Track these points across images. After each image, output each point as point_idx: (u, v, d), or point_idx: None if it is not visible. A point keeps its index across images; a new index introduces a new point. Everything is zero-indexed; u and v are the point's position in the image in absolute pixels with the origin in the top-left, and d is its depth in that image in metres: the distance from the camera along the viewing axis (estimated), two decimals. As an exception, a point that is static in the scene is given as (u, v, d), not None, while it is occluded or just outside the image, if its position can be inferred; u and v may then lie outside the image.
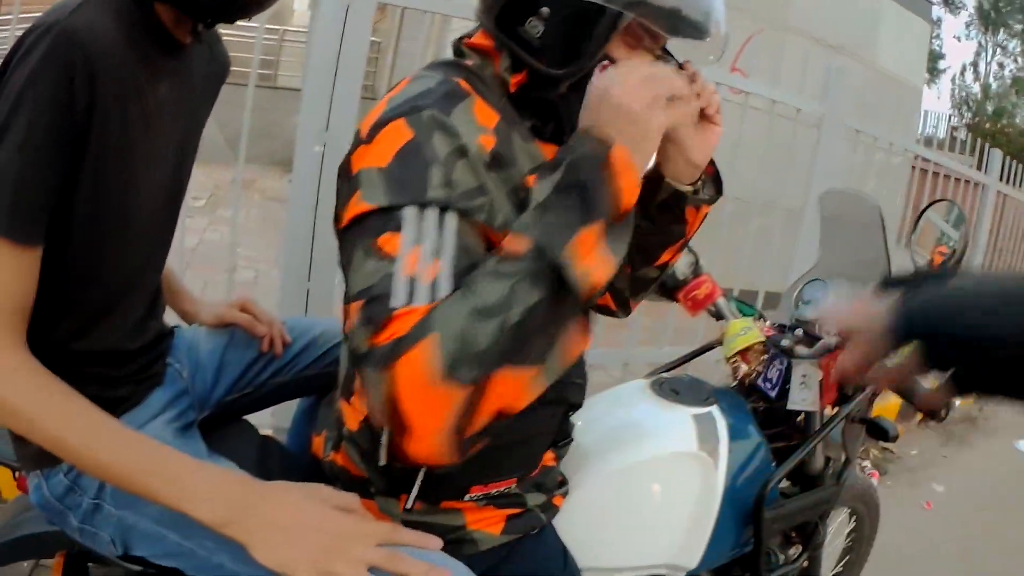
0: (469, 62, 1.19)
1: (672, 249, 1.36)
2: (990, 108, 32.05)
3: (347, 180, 1.05)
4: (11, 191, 0.99)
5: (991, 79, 32.57)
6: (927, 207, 1.60)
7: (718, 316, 1.81)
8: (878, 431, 1.74)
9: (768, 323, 1.83)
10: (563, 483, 1.42)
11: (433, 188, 0.98)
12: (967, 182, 6.43)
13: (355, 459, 1.24)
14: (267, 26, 11.33)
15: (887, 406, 5.09)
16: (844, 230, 1.98)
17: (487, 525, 1.26)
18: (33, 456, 1.15)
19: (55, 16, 1.01)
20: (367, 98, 2.33)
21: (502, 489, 1.26)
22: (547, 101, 1.20)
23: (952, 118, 30.95)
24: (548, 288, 0.92)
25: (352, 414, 1.24)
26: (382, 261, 0.95)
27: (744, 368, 1.73)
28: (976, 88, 32.91)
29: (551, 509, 1.36)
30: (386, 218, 0.97)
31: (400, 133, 1.02)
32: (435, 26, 2.84)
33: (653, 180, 1.26)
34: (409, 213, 0.97)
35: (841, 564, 2.62)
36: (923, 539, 3.98)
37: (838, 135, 4.11)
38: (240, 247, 2.55)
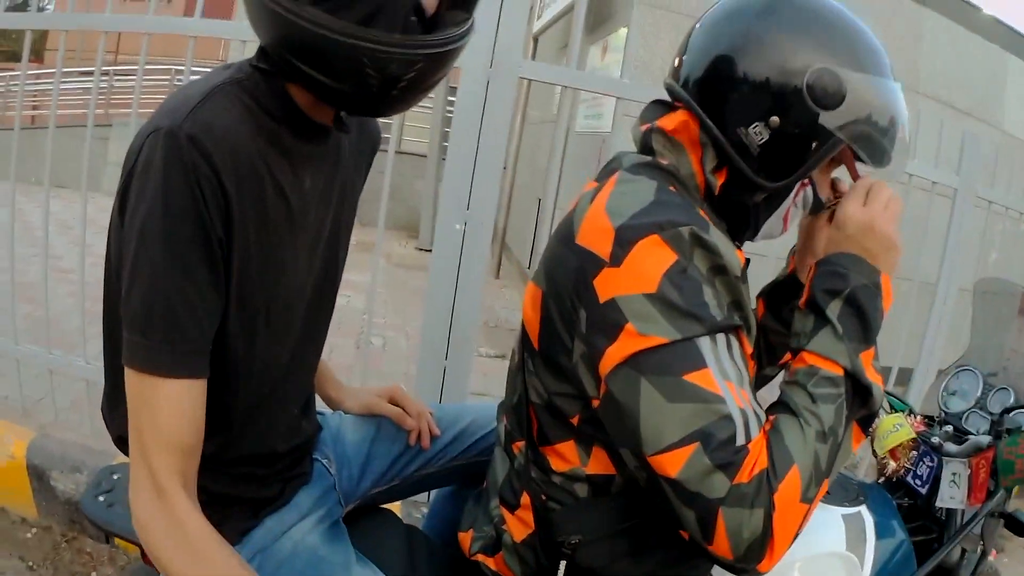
0: (664, 160, 1.16)
1: None
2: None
3: (591, 305, 1.03)
4: (158, 320, 0.95)
5: None
6: None
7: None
8: (1016, 525, 1.69)
9: (918, 417, 1.79)
10: None
11: (714, 312, 1.00)
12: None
13: (515, 569, 1.24)
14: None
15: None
16: (996, 319, 1.94)
17: None
18: None
19: (173, 118, 0.96)
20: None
21: None
22: (744, 204, 1.19)
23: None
24: (858, 407, 1.05)
25: (517, 525, 1.23)
26: (704, 402, 0.96)
27: (893, 465, 1.70)
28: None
29: None
30: (680, 353, 0.98)
31: (661, 255, 1.00)
32: (567, 97, 2.88)
33: (789, 283, 1.32)
34: (704, 344, 0.98)
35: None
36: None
37: (970, 206, 3.99)
38: (366, 314, 2.61)
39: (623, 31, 6.01)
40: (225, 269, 1.01)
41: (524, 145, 9.65)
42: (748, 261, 1.15)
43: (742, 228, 1.22)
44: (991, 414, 1.76)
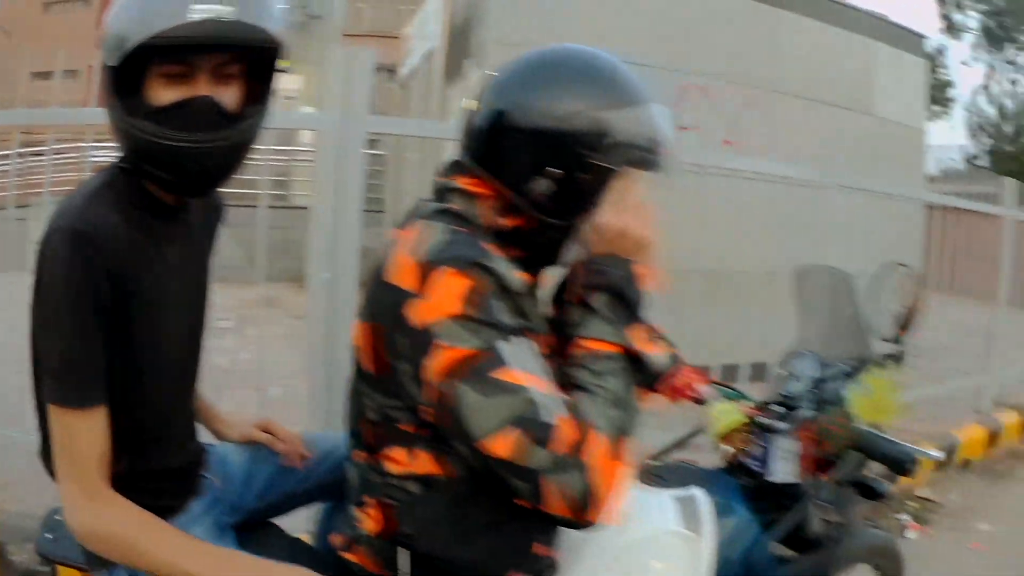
0: (455, 206, 1.37)
1: None
2: (1009, 129, 31.51)
3: (410, 334, 1.25)
4: (68, 370, 1.27)
5: (1005, 99, 31.99)
6: (882, 269, 1.73)
7: (699, 402, 1.93)
8: (868, 491, 1.84)
9: (751, 403, 1.94)
10: (552, 566, 1.55)
11: (506, 320, 1.23)
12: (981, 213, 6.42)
13: (370, 558, 1.43)
14: (277, 147, 11.79)
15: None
16: (820, 303, 2.10)
17: None
18: (99, 557, 1.34)
19: (67, 220, 1.27)
20: (375, 211, 2.54)
21: None
22: (541, 243, 1.41)
23: (970, 147, 30.54)
24: (637, 373, 1.30)
25: (369, 523, 1.43)
26: (512, 394, 1.19)
27: (731, 450, 1.84)
28: (992, 111, 32.40)
29: None
30: (486, 359, 1.20)
31: (458, 282, 1.22)
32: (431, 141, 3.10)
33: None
34: (503, 347, 1.21)
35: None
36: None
37: (834, 195, 4.24)
38: (271, 364, 2.76)
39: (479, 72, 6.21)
40: (116, 329, 1.30)
41: (407, 185, 9.83)
42: (536, 280, 1.41)
43: (544, 256, 1.44)
44: (814, 389, 1.92)
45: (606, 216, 1.34)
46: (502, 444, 1.18)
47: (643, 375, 1.31)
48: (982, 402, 6.27)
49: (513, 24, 5.78)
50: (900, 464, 1.59)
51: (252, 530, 1.67)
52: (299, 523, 1.92)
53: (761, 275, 4.11)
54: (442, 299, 1.21)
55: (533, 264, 1.42)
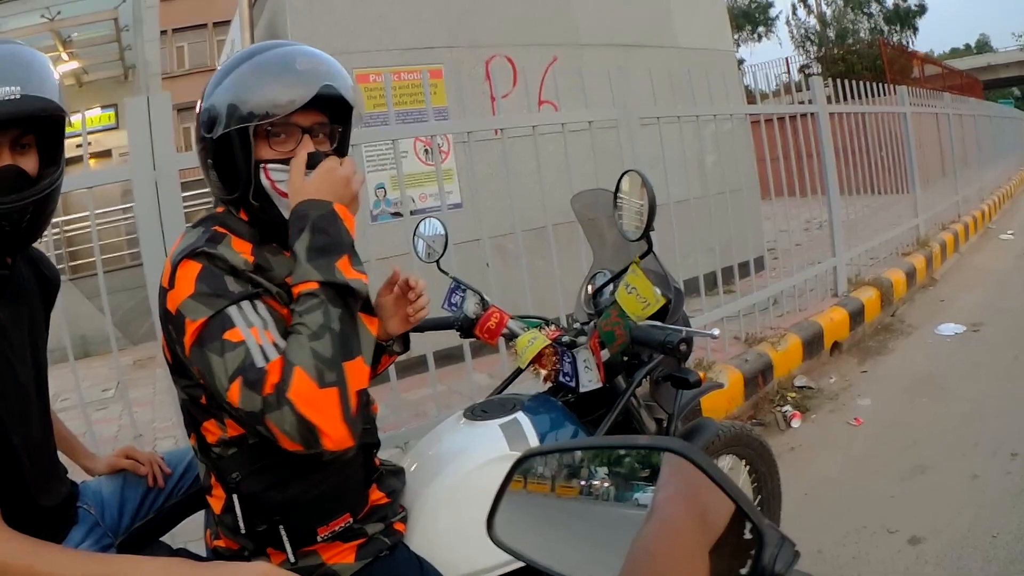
0: (220, 209, 1.63)
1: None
2: (832, 34, 32.95)
3: (171, 321, 1.42)
4: None
5: (824, 6, 33.45)
6: (621, 178, 1.86)
7: (511, 337, 2.08)
8: (681, 382, 1.93)
9: (553, 327, 2.09)
10: (401, 511, 1.71)
11: (234, 288, 1.41)
12: (802, 116, 6.79)
13: (229, 536, 1.58)
14: (121, 207, 11.52)
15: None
16: (597, 223, 2.27)
17: (341, 558, 1.57)
18: None
19: None
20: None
21: (342, 525, 1.57)
22: (270, 220, 1.58)
23: (798, 58, 31.82)
24: (342, 300, 1.39)
25: (216, 502, 1.59)
26: (236, 349, 1.33)
27: (544, 372, 1.99)
28: (813, 21, 33.84)
29: (394, 533, 1.65)
30: (217, 323, 1.36)
31: (190, 268, 1.42)
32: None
33: None
34: (232, 311, 1.37)
35: (758, 505, 2.86)
36: (864, 451, 4.23)
37: (636, 128, 4.47)
38: (156, 421, 2.80)
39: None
40: None
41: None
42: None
43: (276, 230, 1.59)
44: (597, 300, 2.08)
45: (295, 182, 1.52)
46: (234, 394, 1.32)
47: (357, 300, 1.43)
48: (839, 286, 6.68)
49: (312, 41, 5.84)
50: (674, 347, 1.71)
51: (136, 549, 1.80)
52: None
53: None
54: (183, 284, 1.41)
55: (271, 239, 1.60)
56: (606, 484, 0.87)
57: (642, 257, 1.76)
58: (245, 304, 1.40)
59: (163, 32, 16.57)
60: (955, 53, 62.56)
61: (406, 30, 6.21)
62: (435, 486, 1.76)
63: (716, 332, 1.87)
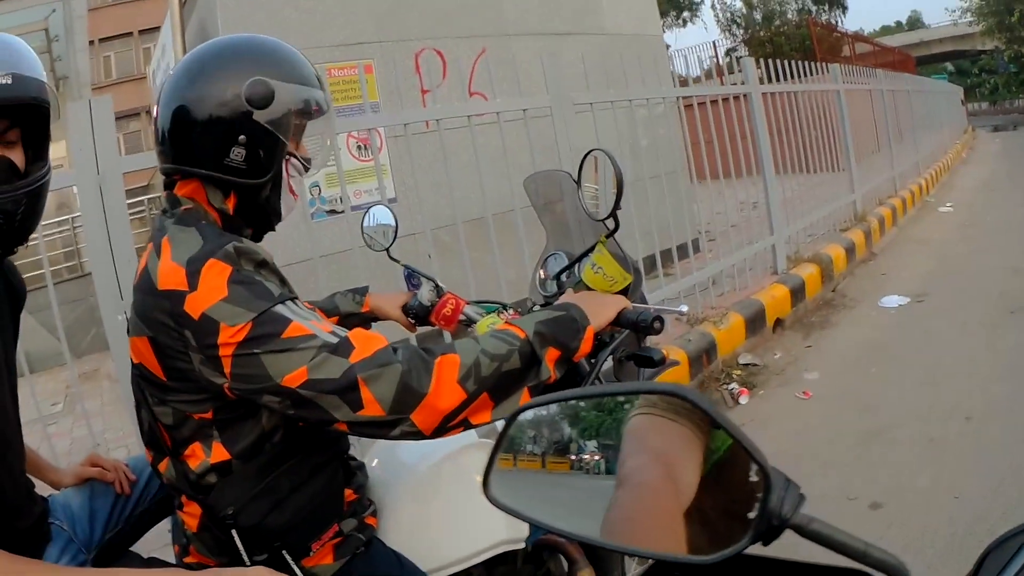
0: (190, 207, 1.53)
1: None
2: (759, 16, 33.49)
3: (190, 326, 1.35)
4: None
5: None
6: (584, 157, 1.86)
7: (469, 323, 2.07)
8: (645, 360, 1.91)
9: (510, 312, 2.08)
10: (369, 504, 1.71)
11: (274, 289, 1.38)
12: (735, 98, 6.88)
13: (205, 553, 1.55)
14: (56, 220, 11.28)
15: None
16: (551, 205, 2.27)
17: (320, 559, 1.57)
18: None
19: None
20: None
21: (332, 535, 1.57)
22: (259, 207, 1.58)
23: (724, 42, 32.31)
24: (526, 362, 1.42)
25: (190, 520, 1.55)
26: (302, 346, 1.31)
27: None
28: (739, 4, 34.34)
29: (367, 528, 1.65)
30: (270, 323, 1.33)
31: (220, 269, 1.36)
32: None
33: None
34: (280, 309, 1.35)
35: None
36: (817, 422, 4.32)
37: (571, 114, 4.49)
38: (107, 431, 2.75)
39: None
40: None
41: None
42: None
43: (267, 221, 1.62)
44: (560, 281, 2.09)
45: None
46: (300, 375, 1.30)
47: (534, 375, 1.44)
48: (778, 264, 6.81)
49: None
50: (646, 325, 1.71)
51: (110, 561, 1.81)
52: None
53: (526, 212, 4.35)
54: (212, 287, 1.34)
55: (260, 234, 1.63)
56: (596, 457, 0.87)
57: (608, 236, 1.76)
58: (291, 303, 1.39)
59: (90, 43, 16.23)
60: (886, 31, 64.12)
61: (336, 25, 6.21)
62: (405, 477, 1.75)
63: (685, 308, 1.90)
